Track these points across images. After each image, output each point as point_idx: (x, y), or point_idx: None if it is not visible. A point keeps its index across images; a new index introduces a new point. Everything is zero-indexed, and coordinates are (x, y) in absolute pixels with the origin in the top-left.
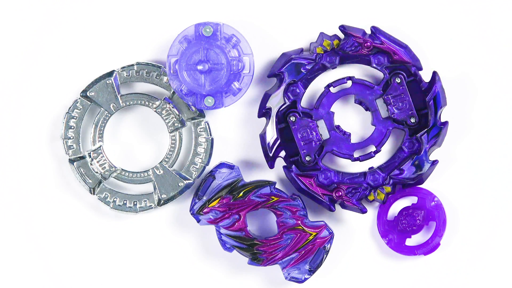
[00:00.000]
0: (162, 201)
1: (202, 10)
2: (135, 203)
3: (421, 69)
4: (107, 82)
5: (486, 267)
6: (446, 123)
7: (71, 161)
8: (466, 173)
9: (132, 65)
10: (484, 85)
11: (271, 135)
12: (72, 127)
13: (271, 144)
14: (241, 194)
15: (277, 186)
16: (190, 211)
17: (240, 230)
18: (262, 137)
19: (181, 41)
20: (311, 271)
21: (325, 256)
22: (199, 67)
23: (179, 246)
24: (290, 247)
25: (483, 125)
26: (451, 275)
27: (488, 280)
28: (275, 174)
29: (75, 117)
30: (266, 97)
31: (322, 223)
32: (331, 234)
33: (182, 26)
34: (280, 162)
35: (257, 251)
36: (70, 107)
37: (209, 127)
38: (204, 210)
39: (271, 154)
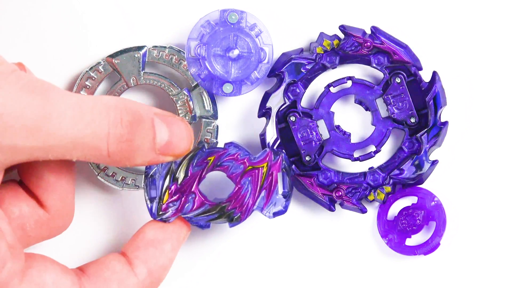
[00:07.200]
0: None
1: (201, 4)
2: (123, 178)
3: (421, 69)
4: (135, 55)
5: (486, 267)
6: (446, 123)
7: None
8: (466, 173)
9: (165, 47)
10: (484, 85)
11: (271, 135)
12: (87, 87)
13: (271, 144)
14: (182, 174)
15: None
16: (152, 217)
17: (202, 204)
18: (262, 137)
19: (203, 25)
20: (287, 196)
21: (289, 175)
22: (230, 54)
23: None
24: (253, 190)
25: (483, 125)
26: (451, 275)
27: (488, 280)
28: None
29: (93, 78)
30: (266, 97)
31: (267, 150)
32: (280, 153)
33: (191, 12)
34: None
35: (229, 212)
36: (91, 67)
37: (217, 130)
38: (163, 209)
39: None
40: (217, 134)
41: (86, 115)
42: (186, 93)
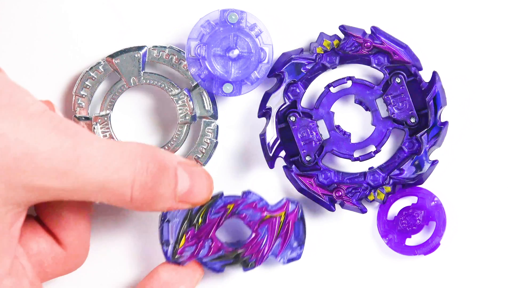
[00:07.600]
0: None
1: (201, 4)
2: None
3: (421, 69)
4: (135, 55)
5: (486, 267)
6: (446, 123)
7: (77, 119)
8: (466, 173)
9: (165, 47)
10: (484, 85)
11: (271, 135)
12: (87, 86)
13: (271, 144)
14: (200, 220)
15: (276, 185)
16: (167, 260)
17: (218, 250)
18: (262, 137)
19: (203, 25)
20: (301, 244)
21: (304, 224)
22: (230, 54)
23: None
24: (270, 237)
25: (483, 125)
26: (451, 275)
27: (488, 280)
28: (275, 174)
29: (93, 78)
30: (266, 97)
31: (284, 200)
32: (297, 204)
33: (191, 12)
34: (280, 162)
35: (244, 258)
36: (91, 67)
37: (217, 130)
38: (178, 252)
39: (271, 154)
40: (217, 134)
41: (114, 161)
42: (186, 93)
